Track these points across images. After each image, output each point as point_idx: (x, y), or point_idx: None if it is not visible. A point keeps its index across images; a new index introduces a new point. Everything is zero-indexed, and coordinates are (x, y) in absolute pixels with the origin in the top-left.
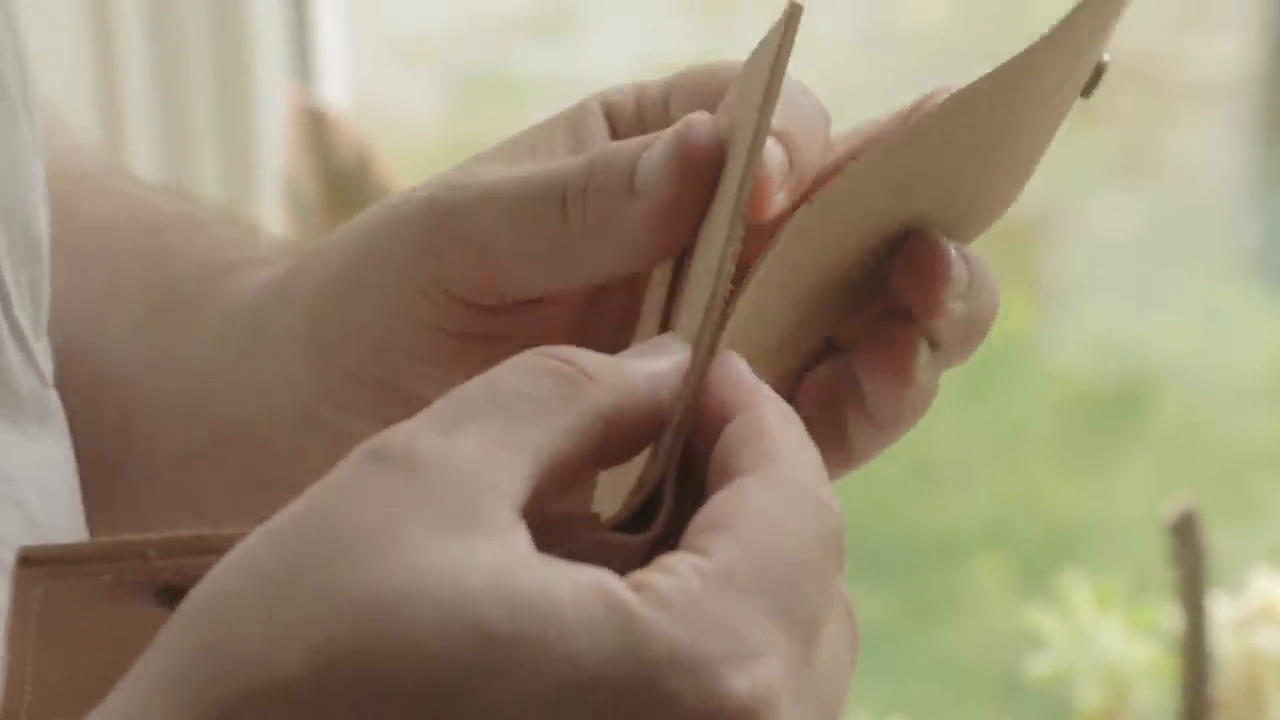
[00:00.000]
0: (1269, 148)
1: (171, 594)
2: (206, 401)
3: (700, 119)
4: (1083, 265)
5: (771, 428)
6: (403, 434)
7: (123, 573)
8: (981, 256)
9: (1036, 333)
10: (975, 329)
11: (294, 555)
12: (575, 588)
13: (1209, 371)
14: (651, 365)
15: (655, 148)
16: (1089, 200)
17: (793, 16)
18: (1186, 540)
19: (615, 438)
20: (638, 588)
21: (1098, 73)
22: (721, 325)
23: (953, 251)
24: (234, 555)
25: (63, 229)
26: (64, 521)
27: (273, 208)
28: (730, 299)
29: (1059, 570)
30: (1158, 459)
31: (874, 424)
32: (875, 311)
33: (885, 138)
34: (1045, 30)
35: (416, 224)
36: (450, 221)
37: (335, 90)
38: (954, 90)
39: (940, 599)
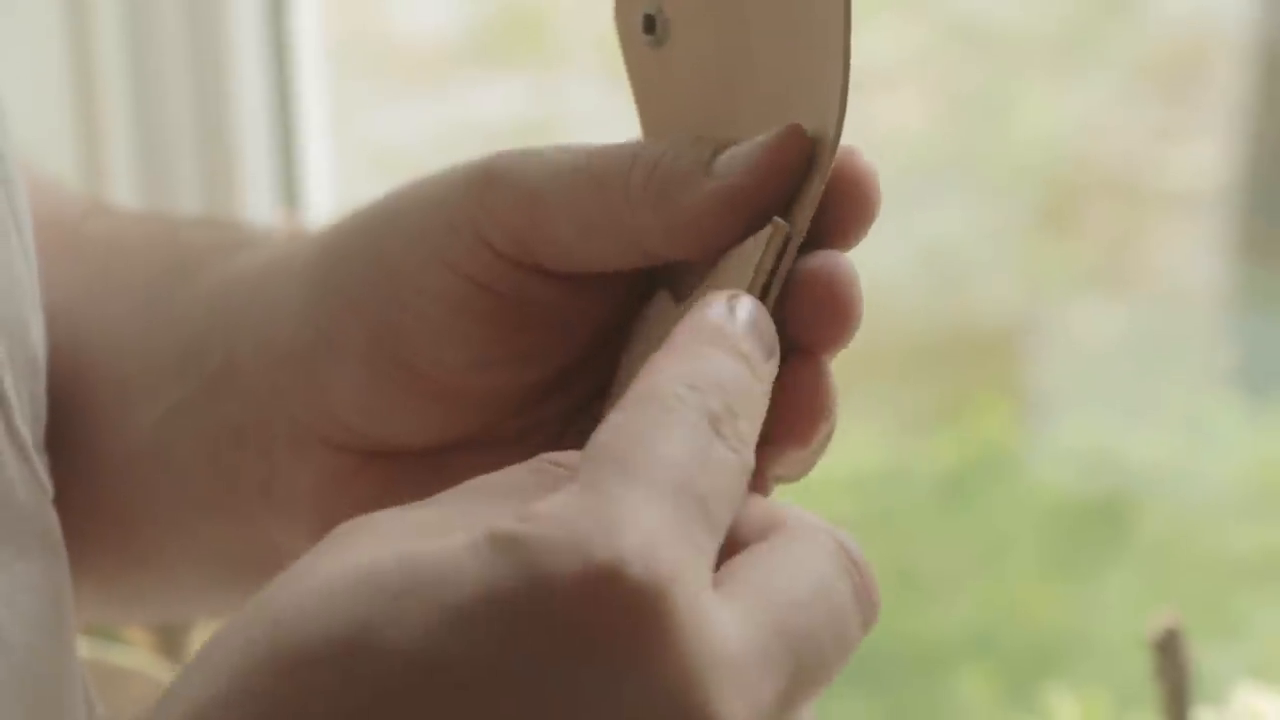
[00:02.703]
0: (1246, 259)
1: None
2: (205, 346)
3: (797, 128)
4: (1063, 376)
5: (649, 372)
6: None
7: None
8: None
9: (1018, 444)
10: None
11: (250, 601)
12: (467, 534)
13: (1191, 484)
14: None
15: (745, 144)
16: (1068, 311)
17: (775, 236)
18: (1170, 657)
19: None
20: (522, 518)
21: None
22: None
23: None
24: None
25: (68, 240)
26: (41, 642)
27: None
28: None
29: (1043, 682)
30: (1141, 571)
31: None
32: None
33: None
34: None
35: (471, 170)
36: (508, 174)
37: (320, 208)
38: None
39: (924, 710)
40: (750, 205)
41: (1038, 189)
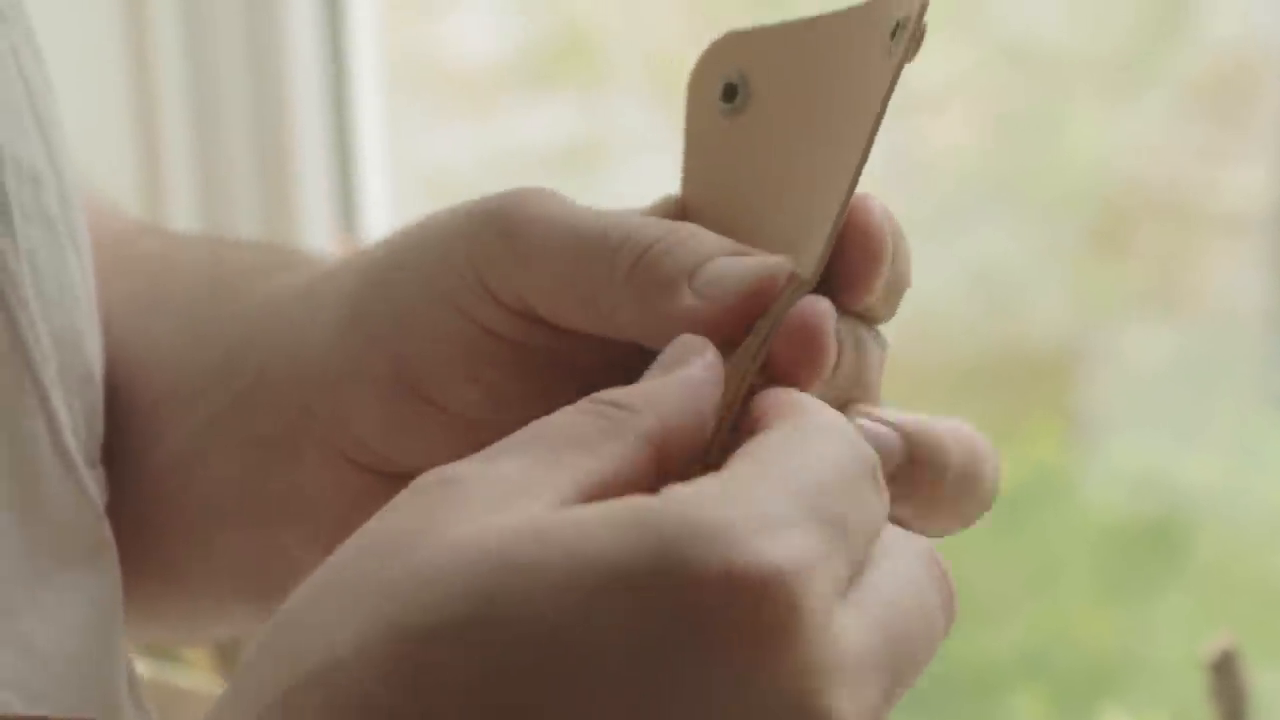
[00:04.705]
0: None
1: None
2: (239, 361)
3: (781, 264)
4: (1115, 398)
5: (804, 397)
6: (447, 465)
7: None
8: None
9: (1069, 465)
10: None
11: (341, 564)
12: (601, 507)
13: (1244, 505)
14: (685, 372)
15: (735, 263)
16: (1118, 332)
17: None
18: (1226, 679)
19: (666, 455)
20: (665, 499)
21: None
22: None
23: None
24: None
25: (121, 257)
26: (84, 653)
27: None
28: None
29: (1097, 705)
30: (1195, 593)
31: None
32: None
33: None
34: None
35: (476, 215)
36: (508, 226)
37: (377, 230)
38: None
39: None
40: (721, 330)
41: (1087, 210)
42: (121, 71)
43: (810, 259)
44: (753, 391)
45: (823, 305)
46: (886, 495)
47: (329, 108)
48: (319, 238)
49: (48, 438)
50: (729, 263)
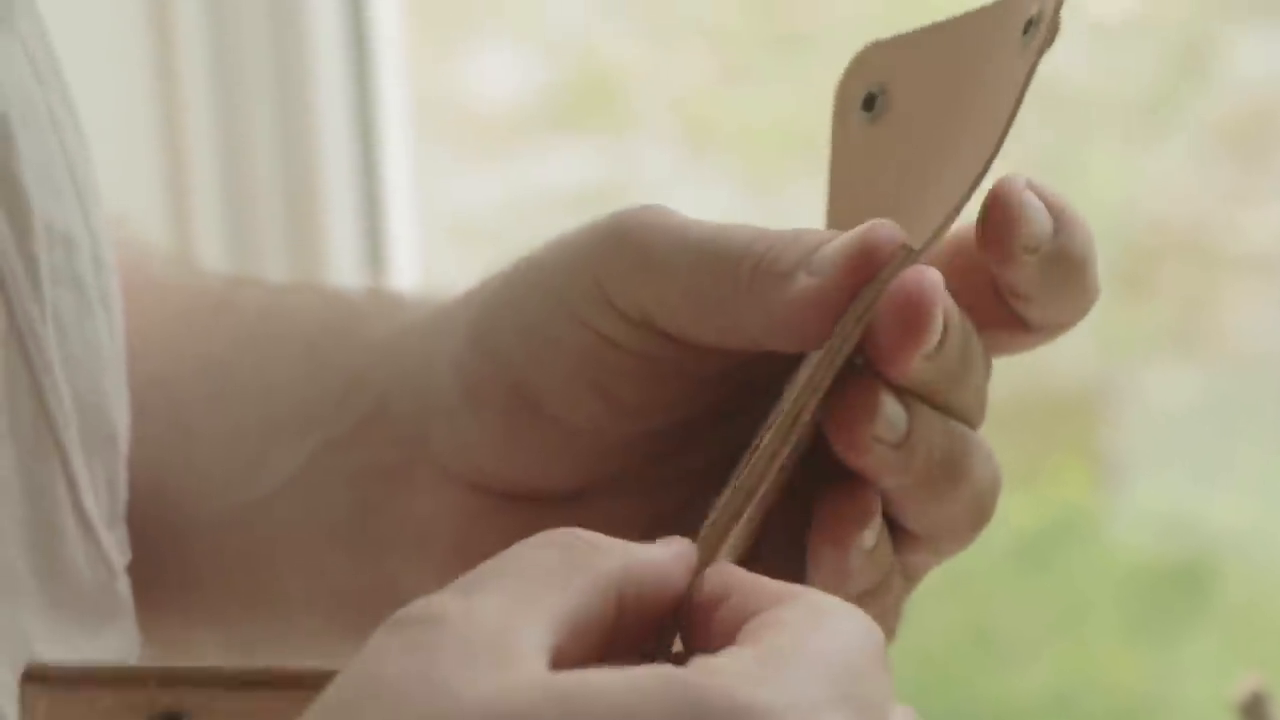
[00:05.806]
0: None
1: (170, 719)
2: (361, 389)
3: (885, 224)
4: (1140, 439)
5: (785, 585)
6: (422, 601)
7: (122, 699)
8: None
9: (1095, 506)
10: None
11: (340, 708)
12: (624, 672)
13: (1271, 546)
14: (657, 551)
15: (841, 236)
16: (1143, 373)
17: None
18: None
19: (627, 610)
20: (689, 665)
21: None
22: (734, 520)
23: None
24: None
25: (218, 304)
26: None
27: None
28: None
29: None
30: (1222, 634)
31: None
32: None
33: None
34: None
35: (602, 229)
36: (634, 240)
37: (405, 275)
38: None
39: None
40: (835, 306)
41: (1112, 252)
42: (150, 115)
43: (925, 233)
44: (846, 373)
45: (930, 274)
46: (890, 669)
47: (356, 152)
48: (346, 281)
49: (68, 499)
50: (836, 238)
